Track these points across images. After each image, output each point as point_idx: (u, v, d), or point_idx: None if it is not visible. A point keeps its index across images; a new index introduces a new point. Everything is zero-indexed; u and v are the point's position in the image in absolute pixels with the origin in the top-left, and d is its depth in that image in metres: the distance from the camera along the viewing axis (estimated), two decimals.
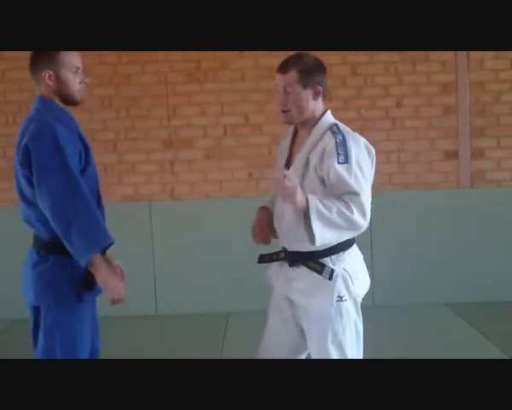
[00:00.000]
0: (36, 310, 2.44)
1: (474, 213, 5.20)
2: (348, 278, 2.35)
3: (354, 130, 2.42)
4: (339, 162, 2.23)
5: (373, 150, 2.40)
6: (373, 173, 2.43)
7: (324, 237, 2.25)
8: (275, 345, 2.54)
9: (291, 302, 2.48)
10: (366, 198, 2.28)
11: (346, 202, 2.22)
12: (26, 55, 5.37)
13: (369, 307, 5.11)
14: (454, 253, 5.20)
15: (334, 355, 2.36)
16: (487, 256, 5.20)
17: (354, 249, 2.45)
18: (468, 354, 3.78)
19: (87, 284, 2.34)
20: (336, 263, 2.35)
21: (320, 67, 2.41)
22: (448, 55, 5.22)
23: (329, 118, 2.41)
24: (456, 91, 5.26)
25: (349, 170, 2.24)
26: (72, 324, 2.37)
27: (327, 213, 2.21)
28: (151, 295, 5.21)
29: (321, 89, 2.38)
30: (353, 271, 2.39)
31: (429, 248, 5.20)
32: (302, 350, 2.56)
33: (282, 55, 2.58)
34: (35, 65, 2.41)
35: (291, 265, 2.44)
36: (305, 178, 2.34)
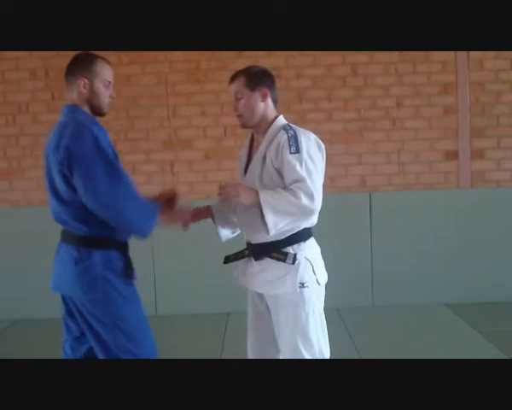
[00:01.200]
0: (73, 302, 2.51)
1: (473, 214, 5.20)
2: (309, 265, 2.50)
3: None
4: (291, 152, 2.40)
5: (322, 145, 2.55)
6: (324, 166, 2.55)
7: (278, 226, 2.39)
8: (258, 342, 2.67)
9: (262, 297, 2.61)
10: (315, 183, 2.39)
11: (293, 191, 2.36)
12: (25, 56, 5.35)
13: (369, 308, 5.19)
14: (454, 253, 5.20)
15: (300, 343, 2.48)
16: (487, 256, 5.20)
17: (312, 240, 2.59)
18: (467, 354, 3.78)
19: (128, 274, 2.53)
20: (298, 251, 2.49)
21: (266, 73, 2.60)
22: (448, 55, 5.22)
23: (282, 120, 2.59)
24: (456, 92, 5.26)
25: (299, 159, 2.39)
26: (127, 310, 2.49)
27: (277, 203, 2.36)
28: (151, 295, 5.21)
29: (267, 91, 2.55)
30: (314, 259, 2.54)
31: (429, 249, 5.20)
32: None
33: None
34: (72, 71, 2.50)
35: (256, 258, 2.57)
36: (263, 172, 2.51)
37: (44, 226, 5.24)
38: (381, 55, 5.20)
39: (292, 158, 2.39)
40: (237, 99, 2.55)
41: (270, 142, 2.51)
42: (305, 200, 2.33)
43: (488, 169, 5.31)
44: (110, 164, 2.39)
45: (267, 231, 2.38)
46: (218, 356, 4.01)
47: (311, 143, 2.46)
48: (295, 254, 2.47)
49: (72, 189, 2.38)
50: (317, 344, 2.50)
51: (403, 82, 5.26)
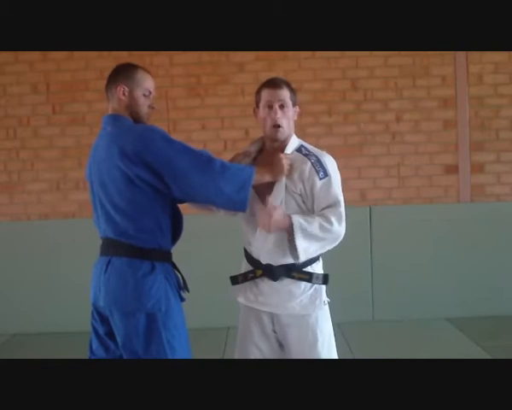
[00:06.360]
0: (128, 317, 2.39)
1: (474, 228, 5.20)
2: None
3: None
4: (320, 178, 2.41)
5: None
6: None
7: (307, 251, 2.38)
8: (253, 348, 2.57)
9: (272, 317, 2.53)
10: (343, 207, 2.45)
11: (326, 216, 2.39)
12: (26, 70, 5.36)
13: (370, 322, 5.16)
14: (454, 267, 5.19)
15: (327, 358, 2.48)
16: (488, 270, 5.19)
17: (320, 259, 2.59)
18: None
19: (185, 285, 2.61)
20: (316, 270, 2.50)
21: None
22: (447, 69, 5.26)
23: (295, 139, 2.56)
24: (455, 106, 5.29)
25: (330, 183, 2.43)
26: (181, 321, 2.51)
27: (309, 228, 2.34)
28: None
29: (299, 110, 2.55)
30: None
31: (430, 263, 5.19)
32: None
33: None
34: (112, 80, 2.48)
35: (275, 279, 2.48)
36: (286, 202, 2.45)
37: (44, 240, 5.28)
38: (380, 70, 5.24)
39: (323, 183, 2.40)
40: (281, 107, 2.47)
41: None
42: (336, 225, 2.37)
43: (488, 183, 5.32)
44: (188, 148, 2.38)
45: (296, 258, 2.36)
46: None
47: (333, 165, 2.48)
48: (326, 275, 2.49)
49: (142, 192, 2.33)
50: (336, 355, 2.55)
51: (402, 96, 5.28)
